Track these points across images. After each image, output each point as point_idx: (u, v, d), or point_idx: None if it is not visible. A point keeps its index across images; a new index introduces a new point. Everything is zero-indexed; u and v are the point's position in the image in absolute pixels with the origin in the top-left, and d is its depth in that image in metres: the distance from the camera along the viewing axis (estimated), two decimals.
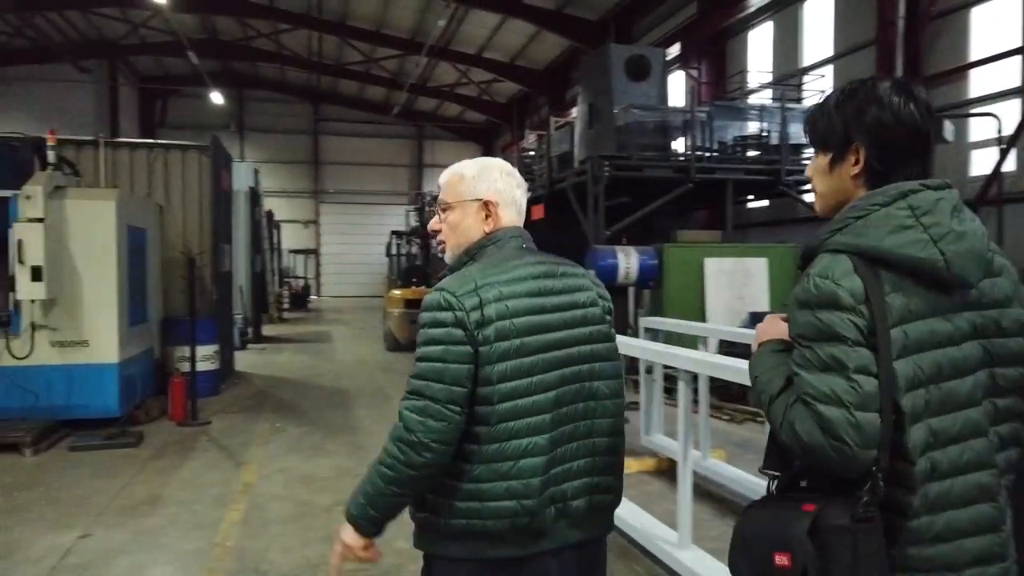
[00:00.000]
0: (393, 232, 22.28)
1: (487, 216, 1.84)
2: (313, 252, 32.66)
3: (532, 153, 16.19)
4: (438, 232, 1.90)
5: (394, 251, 21.42)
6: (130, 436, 6.61)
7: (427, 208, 22.74)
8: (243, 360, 11.74)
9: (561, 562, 1.73)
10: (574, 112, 17.47)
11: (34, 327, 6.69)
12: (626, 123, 11.39)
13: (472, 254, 1.81)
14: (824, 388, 1.30)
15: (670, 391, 5.93)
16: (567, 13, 19.49)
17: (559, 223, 15.45)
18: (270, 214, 20.73)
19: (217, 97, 25.61)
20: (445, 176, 1.91)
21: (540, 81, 23.99)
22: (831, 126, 1.48)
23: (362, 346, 14.93)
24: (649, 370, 5.90)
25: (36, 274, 6.33)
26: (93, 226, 6.88)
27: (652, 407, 5.98)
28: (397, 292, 14.42)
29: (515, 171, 1.93)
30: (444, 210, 1.88)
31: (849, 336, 1.31)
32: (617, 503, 1.86)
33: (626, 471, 4.39)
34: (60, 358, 6.77)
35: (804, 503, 1.34)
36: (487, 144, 32.03)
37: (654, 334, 5.96)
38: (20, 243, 6.32)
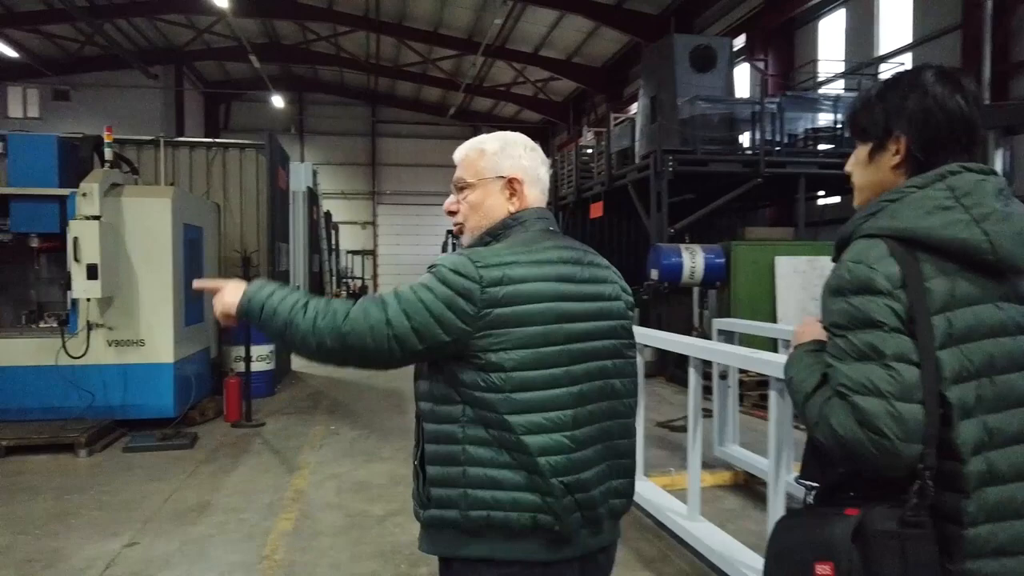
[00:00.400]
0: (448, 231, 22.16)
1: (512, 195, 1.71)
2: (370, 253, 32.86)
3: (590, 150, 15.79)
4: (454, 213, 1.76)
5: (449, 251, 21.30)
6: (184, 437, 6.50)
7: None
8: (299, 360, 11.66)
9: (583, 571, 1.62)
10: (633, 108, 17.01)
11: (90, 326, 6.64)
12: (691, 116, 10.92)
13: (495, 235, 1.69)
14: (860, 378, 1.22)
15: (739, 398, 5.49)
16: (626, 7, 19.01)
17: (617, 221, 15.01)
18: (328, 215, 20.82)
19: (278, 100, 25.95)
20: (462, 151, 1.77)
21: (597, 78, 23.55)
22: (872, 115, 1.43)
23: None
24: (723, 375, 5.47)
25: (92, 272, 6.27)
26: (149, 224, 6.80)
27: (727, 415, 5.54)
28: None
29: (538, 147, 1.80)
30: (462, 189, 1.74)
31: (886, 322, 1.23)
32: (629, 508, 1.75)
33: (701, 484, 4.01)
34: (116, 358, 6.71)
35: (845, 507, 1.26)
36: (542, 143, 31.69)
37: (728, 336, 5.53)
38: (76, 241, 6.27)
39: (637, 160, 12.06)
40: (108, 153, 7.03)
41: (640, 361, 1.74)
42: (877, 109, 1.42)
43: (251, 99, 29.49)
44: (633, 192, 11.42)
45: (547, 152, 27.07)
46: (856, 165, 1.47)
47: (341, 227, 26.46)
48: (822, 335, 1.39)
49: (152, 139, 9.36)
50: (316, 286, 15.69)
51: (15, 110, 26.21)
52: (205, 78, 29.45)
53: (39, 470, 5.69)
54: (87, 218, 6.37)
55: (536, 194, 1.74)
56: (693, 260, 9.49)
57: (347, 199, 31.97)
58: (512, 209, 1.70)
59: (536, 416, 1.52)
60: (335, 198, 29.76)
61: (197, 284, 1.76)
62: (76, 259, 6.27)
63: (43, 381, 6.56)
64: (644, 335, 4.66)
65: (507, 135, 1.77)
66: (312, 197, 14.28)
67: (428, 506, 1.59)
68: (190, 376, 7.32)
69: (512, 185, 1.70)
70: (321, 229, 17.01)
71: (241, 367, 7.71)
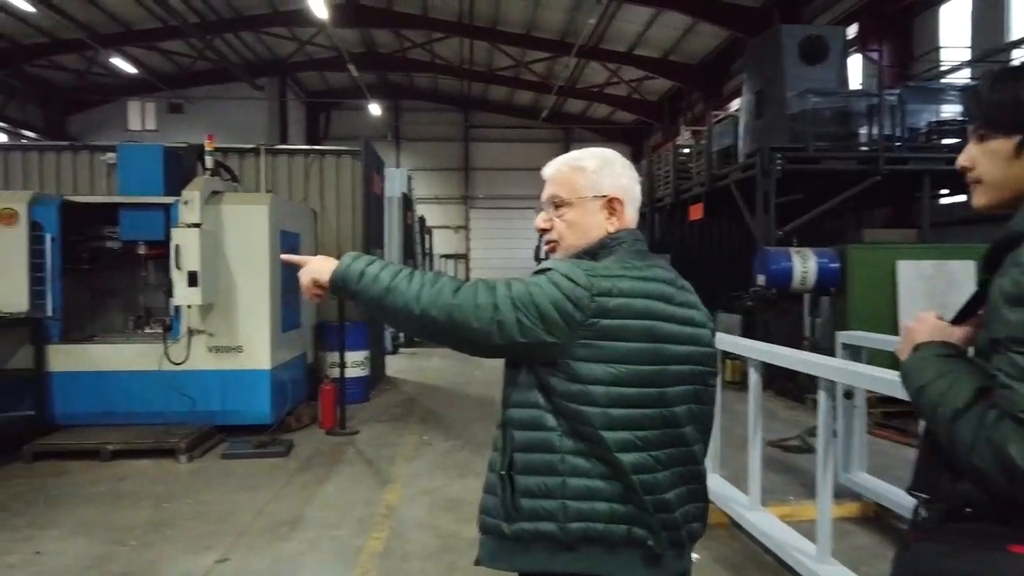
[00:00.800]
0: (542, 234, 21.87)
1: (611, 214, 1.69)
2: (463, 257, 33.09)
3: (687, 150, 15.19)
4: (547, 230, 1.73)
5: (542, 255, 21.04)
6: (280, 445, 6.48)
7: None
8: (393, 365, 11.69)
9: None
10: (734, 105, 16.26)
11: (192, 332, 6.73)
12: (801, 111, 10.23)
13: (592, 254, 1.66)
14: None
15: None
16: (726, 1, 18.27)
17: (717, 223, 14.35)
18: (422, 220, 21.04)
19: (375, 108, 26.48)
20: (555, 168, 1.73)
21: (694, 76, 22.79)
22: (1011, 108, 1.27)
23: None
24: (849, 394, 4.94)
25: (192, 279, 6.35)
26: (247, 230, 6.85)
27: (853, 438, 5.01)
28: None
29: (631, 165, 1.77)
30: (558, 206, 1.70)
31: None
32: (704, 533, 1.71)
33: (825, 516, 3.53)
34: (216, 363, 6.78)
35: (1008, 542, 1.12)
36: (636, 144, 31.06)
37: (854, 352, 4.99)
38: (177, 248, 6.36)
39: (741, 159, 11.44)
40: (209, 161, 7.14)
41: (718, 383, 1.63)
42: None
43: (350, 107, 30.23)
44: (737, 193, 10.82)
45: (641, 153, 26.48)
46: (992, 159, 1.31)
47: (435, 231, 26.72)
48: (944, 335, 1.30)
49: (253, 147, 9.54)
50: None
51: (134, 123, 27.80)
52: (307, 88, 30.42)
53: (141, 475, 5.77)
54: (188, 226, 6.46)
55: (632, 213, 1.72)
56: (804, 264, 8.85)
57: (440, 203, 32.30)
58: (611, 229, 1.68)
59: (628, 434, 1.51)
60: (429, 203, 30.09)
61: (284, 258, 1.78)
62: (178, 266, 6.36)
63: (147, 386, 6.70)
64: (767, 352, 4.22)
65: (603, 152, 1.74)
66: (406, 202, 14.32)
67: (517, 519, 1.53)
68: (287, 382, 7.34)
69: (612, 204, 1.68)
70: (415, 233, 17.10)
71: (336, 373, 7.68)
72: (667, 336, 1.57)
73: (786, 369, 5.17)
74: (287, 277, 7.43)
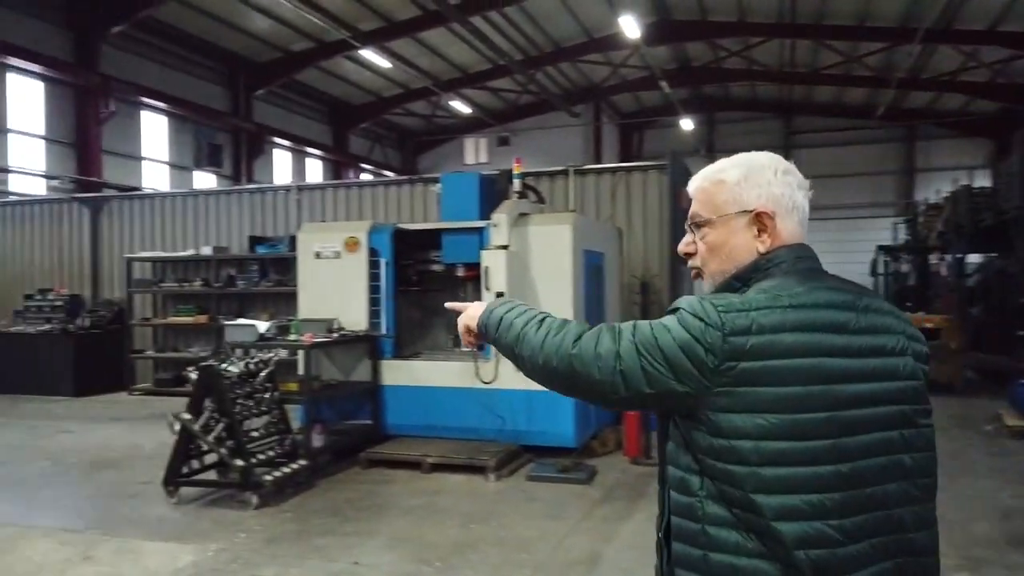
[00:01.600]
0: (880, 247, 19.39)
1: (760, 231, 1.43)
2: None
3: None
4: (691, 256, 1.52)
5: (880, 269, 18.54)
6: (583, 471, 6.31)
7: (920, 218, 19.33)
8: None
9: None
10: None
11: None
12: None
13: (745, 280, 1.42)
14: None
15: None
16: None
17: None
18: None
19: (687, 123, 26.00)
20: (697, 183, 1.52)
21: None
22: None
23: None
24: None
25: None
26: (551, 250, 6.86)
27: None
28: None
29: (794, 168, 1.48)
30: (700, 227, 1.49)
31: None
32: None
33: None
34: (523, 383, 6.75)
35: None
36: (1001, 138, 26.10)
37: None
38: (487, 270, 6.56)
39: None
40: (517, 184, 7.31)
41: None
42: None
43: (662, 125, 30.13)
44: None
45: (1007, 150, 22.20)
46: None
47: None
48: None
49: (562, 169, 9.69)
50: None
51: (469, 157, 30.82)
52: (620, 110, 31.01)
53: (453, 491, 5.99)
54: (496, 247, 6.63)
55: (792, 227, 1.45)
56: None
57: None
58: (762, 248, 1.43)
59: (792, 498, 1.26)
60: None
61: (449, 306, 1.78)
62: (487, 287, 6.56)
63: (463, 402, 7.01)
64: None
65: (752, 157, 1.50)
66: None
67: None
68: (591, 405, 7.17)
69: (761, 220, 1.43)
70: None
71: None
72: (839, 374, 1.30)
73: None
74: (591, 296, 7.29)
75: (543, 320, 1.48)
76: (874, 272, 19.37)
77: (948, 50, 21.26)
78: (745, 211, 1.43)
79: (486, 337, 1.59)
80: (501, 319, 1.54)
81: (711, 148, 31.59)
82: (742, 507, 1.27)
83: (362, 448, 6.84)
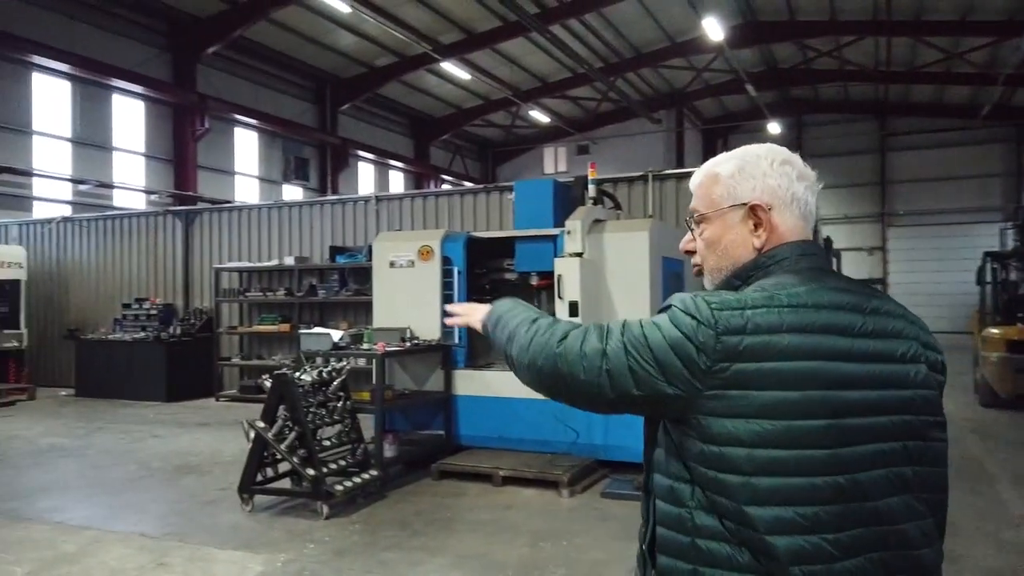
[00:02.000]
0: (987, 254, 18.08)
1: (756, 225, 1.37)
2: (879, 282, 29.26)
3: None
4: (692, 253, 1.48)
5: (988, 277, 17.26)
6: None
7: None
8: None
9: None
10: None
11: None
12: None
13: (744, 278, 1.36)
14: None
15: None
16: None
17: None
18: (828, 241, 19.08)
19: (774, 127, 25.14)
20: (696, 178, 1.47)
21: None
22: None
23: (944, 398, 12.05)
24: None
25: (573, 309, 6.30)
26: (628, 258, 6.62)
27: None
28: (996, 330, 11.19)
29: (795, 158, 1.41)
30: (697, 223, 1.45)
31: None
32: None
33: None
34: None
35: None
36: None
37: None
38: (559, 278, 6.38)
39: None
40: (592, 190, 7.11)
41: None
42: None
43: (748, 130, 29.22)
44: None
45: None
46: None
47: (844, 254, 24.10)
48: None
49: (641, 175, 9.42)
50: None
51: (548, 166, 30.71)
52: (703, 115, 30.31)
53: (525, 506, 5.81)
54: (571, 255, 6.45)
55: (793, 221, 1.37)
56: None
57: (851, 223, 29.16)
58: (757, 244, 1.37)
59: (787, 511, 1.17)
60: (837, 223, 27.40)
61: (450, 308, 1.74)
62: (560, 295, 6.38)
63: (536, 414, 6.82)
64: None
65: (749, 149, 1.43)
66: None
67: None
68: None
69: (756, 213, 1.36)
70: None
71: None
72: (841, 379, 1.22)
73: None
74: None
75: (535, 319, 1.42)
76: (980, 281, 18.06)
77: None
78: (740, 204, 1.37)
79: (488, 340, 1.57)
80: (499, 319, 1.51)
81: (800, 152, 30.35)
82: (734, 519, 1.20)
83: (434, 459, 6.76)
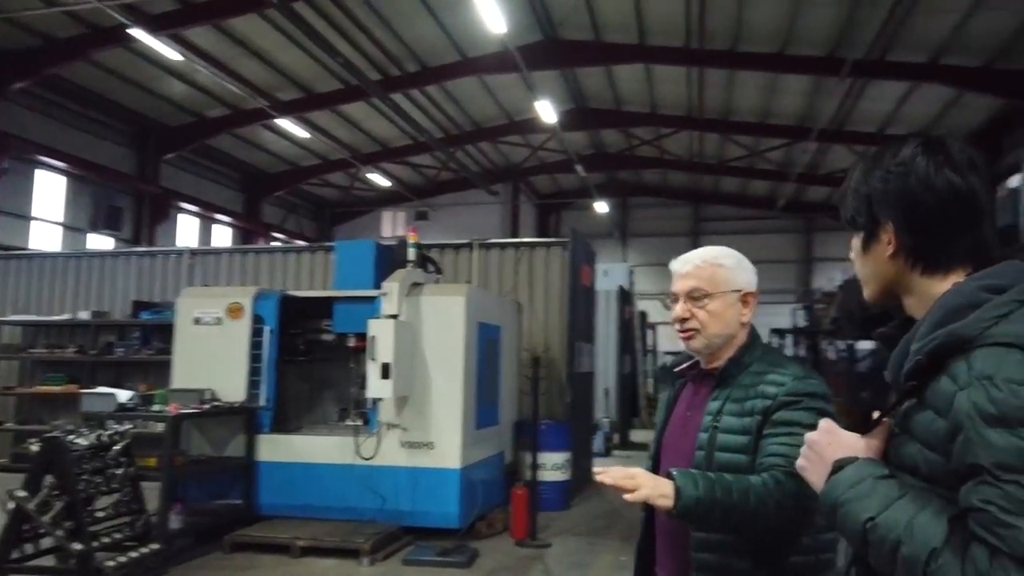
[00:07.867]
0: (773, 331, 20.14)
1: (745, 307, 1.89)
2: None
3: None
4: (685, 320, 1.88)
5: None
6: (463, 554, 5.97)
7: (814, 305, 20.24)
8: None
9: None
10: (1014, 181, 13.83)
11: (386, 426, 6.58)
12: None
13: (747, 348, 1.87)
14: None
15: None
16: (997, 68, 15.94)
17: None
18: (643, 315, 20.33)
19: (602, 206, 26.72)
20: (694, 264, 1.90)
21: None
22: (857, 201, 1.28)
23: None
24: None
25: (385, 371, 6.22)
26: (443, 322, 6.68)
27: None
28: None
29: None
30: (699, 298, 1.86)
31: None
32: None
33: None
34: (407, 460, 6.54)
35: None
36: None
37: None
38: (373, 339, 6.31)
39: None
40: (412, 253, 7.17)
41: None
42: (860, 193, 1.27)
43: (578, 207, 30.86)
44: None
45: None
46: (854, 255, 1.32)
47: (659, 328, 25.74)
48: (865, 448, 1.15)
49: (466, 242, 9.63)
50: (627, 389, 14.94)
51: (387, 230, 30.55)
52: (538, 191, 31.71)
53: None
54: (386, 317, 6.41)
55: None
56: None
57: (666, 298, 31.31)
58: (743, 320, 1.88)
59: None
60: (654, 298, 29.31)
61: (599, 478, 1.71)
62: (372, 357, 6.29)
63: (342, 480, 6.62)
64: None
65: (734, 251, 1.94)
66: (624, 296, 13.76)
67: None
68: (478, 483, 6.88)
69: (747, 298, 1.89)
70: (635, 329, 16.38)
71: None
72: None
73: None
74: (485, 370, 7.11)
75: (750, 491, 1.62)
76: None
77: (842, 149, 22.78)
78: (737, 290, 1.87)
79: (679, 508, 1.61)
80: (708, 508, 1.60)
81: (624, 231, 32.53)
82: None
83: (230, 530, 6.31)
